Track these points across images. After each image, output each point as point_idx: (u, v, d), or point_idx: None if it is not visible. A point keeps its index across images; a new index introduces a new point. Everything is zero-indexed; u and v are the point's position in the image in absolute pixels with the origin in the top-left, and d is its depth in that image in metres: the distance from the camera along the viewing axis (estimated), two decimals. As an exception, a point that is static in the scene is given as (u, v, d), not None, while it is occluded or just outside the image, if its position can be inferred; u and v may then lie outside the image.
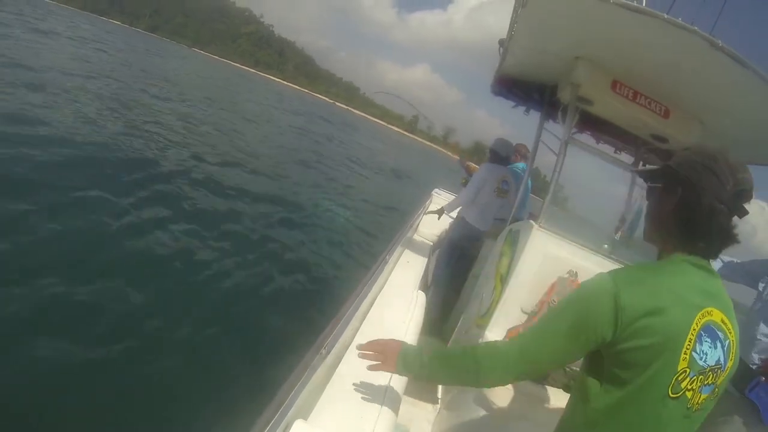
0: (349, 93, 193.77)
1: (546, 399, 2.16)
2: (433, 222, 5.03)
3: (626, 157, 3.51)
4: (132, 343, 3.85)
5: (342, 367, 1.76)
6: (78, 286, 4.27)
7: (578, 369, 2.15)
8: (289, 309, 5.61)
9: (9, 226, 4.67)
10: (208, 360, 4.05)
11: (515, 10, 2.43)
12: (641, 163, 3.46)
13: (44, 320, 3.76)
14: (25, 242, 4.61)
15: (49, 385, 3.20)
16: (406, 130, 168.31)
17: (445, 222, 5.27)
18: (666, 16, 1.87)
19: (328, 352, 1.71)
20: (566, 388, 2.20)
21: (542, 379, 2.23)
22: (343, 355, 1.85)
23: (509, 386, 2.16)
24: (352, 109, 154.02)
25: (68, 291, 4.16)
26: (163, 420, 3.28)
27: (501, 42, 3.06)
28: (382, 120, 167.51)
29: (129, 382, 3.48)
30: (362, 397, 1.62)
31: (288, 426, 1.24)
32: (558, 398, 2.17)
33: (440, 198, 6.80)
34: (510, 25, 2.56)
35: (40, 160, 6.60)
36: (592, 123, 3.16)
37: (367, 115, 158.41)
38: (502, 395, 2.15)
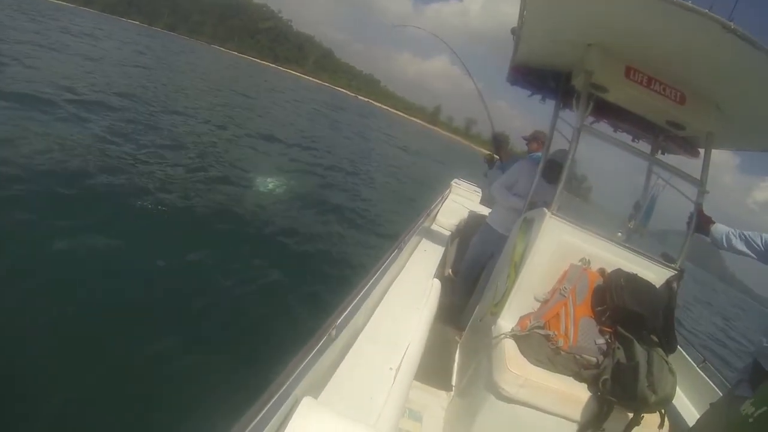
0: (369, 86, 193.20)
1: (557, 387, 2.16)
2: (452, 212, 5.02)
3: (643, 146, 3.46)
4: (125, 334, 3.95)
5: (353, 350, 1.80)
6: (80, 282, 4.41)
7: (589, 356, 2.17)
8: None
9: None
10: (207, 349, 4.17)
11: None
12: (659, 151, 3.41)
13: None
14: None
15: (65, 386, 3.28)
16: (427, 122, 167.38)
17: (464, 212, 5.25)
18: None
19: (338, 335, 1.74)
20: (577, 376, 2.20)
21: (553, 366, 2.24)
22: (356, 339, 1.89)
23: (520, 374, 2.16)
24: (373, 102, 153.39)
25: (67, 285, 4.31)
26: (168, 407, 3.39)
27: (513, 31, 3.03)
28: (404, 112, 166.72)
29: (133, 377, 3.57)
30: (372, 380, 1.65)
31: (296, 402, 1.26)
32: (569, 386, 2.17)
33: (460, 188, 6.77)
34: (520, 13, 2.54)
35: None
36: (608, 111, 3.11)
37: (388, 108, 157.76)
38: (513, 383, 2.16)
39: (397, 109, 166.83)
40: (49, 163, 6.86)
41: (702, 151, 2.99)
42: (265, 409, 1.21)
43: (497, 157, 4.93)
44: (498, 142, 4.95)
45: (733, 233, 2.69)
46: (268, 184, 10.28)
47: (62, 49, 19.50)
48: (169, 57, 38.18)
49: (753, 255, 2.59)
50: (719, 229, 2.75)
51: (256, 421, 1.16)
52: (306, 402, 1.26)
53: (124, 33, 51.36)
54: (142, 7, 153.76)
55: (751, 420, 1.86)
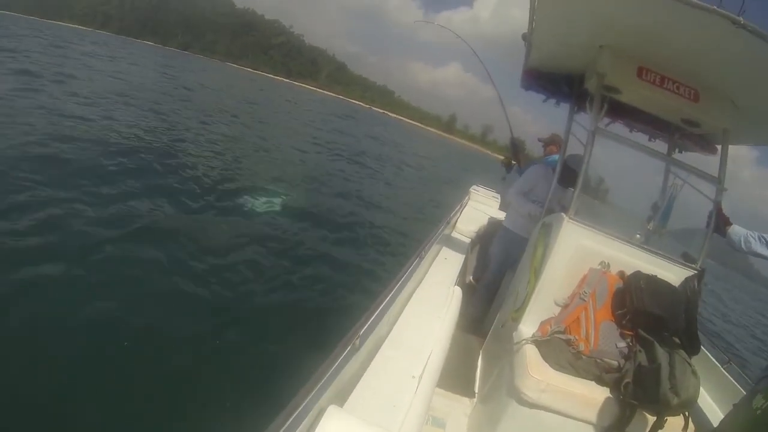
0: (383, 97, 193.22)
1: (579, 391, 2.14)
2: (471, 219, 5.01)
3: (660, 145, 3.43)
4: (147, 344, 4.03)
5: (377, 359, 1.81)
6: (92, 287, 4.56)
7: (611, 360, 2.15)
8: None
9: None
10: (228, 356, 4.22)
11: (532, 3, 2.43)
12: (675, 150, 3.38)
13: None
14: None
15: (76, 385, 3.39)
16: (443, 131, 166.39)
17: (484, 219, 5.24)
18: None
19: (362, 344, 1.76)
20: (598, 380, 2.18)
21: (574, 371, 2.22)
22: (379, 348, 1.91)
23: (542, 379, 2.15)
24: (389, 113, 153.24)
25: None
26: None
27: (524, 36, 3.05)
28: (419, 122, 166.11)
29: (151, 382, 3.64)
30: (395, 388, 1.67)
31: (321, 411, 1.28)
32: (591, 390, 2.15)
33: (478, 194, 6.76)
34: (530, 18, 2.56)
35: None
36: (622, 112, 3.10)
37: (403, 118, 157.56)
38: (535, 388, 2.15)
39: (412, 119, 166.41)
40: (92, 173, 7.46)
41: (719, 147, 2.96)
42: (292, 417, 1.23)
43: (515, 162, 4.93)
44: (515, 147, 4.95)
45: (752, 235, 2.60)
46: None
47: (90, 72, 20.72)
48: (186, 75, 39.04)
49: None
50: (737, 231, 2.67)
51: (282, 430, 1.19)
52: (331, 410, 1.28)
53: (141, 54, 53.14)
54: (156, 28, 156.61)
55: (759, 412, 1.83)
